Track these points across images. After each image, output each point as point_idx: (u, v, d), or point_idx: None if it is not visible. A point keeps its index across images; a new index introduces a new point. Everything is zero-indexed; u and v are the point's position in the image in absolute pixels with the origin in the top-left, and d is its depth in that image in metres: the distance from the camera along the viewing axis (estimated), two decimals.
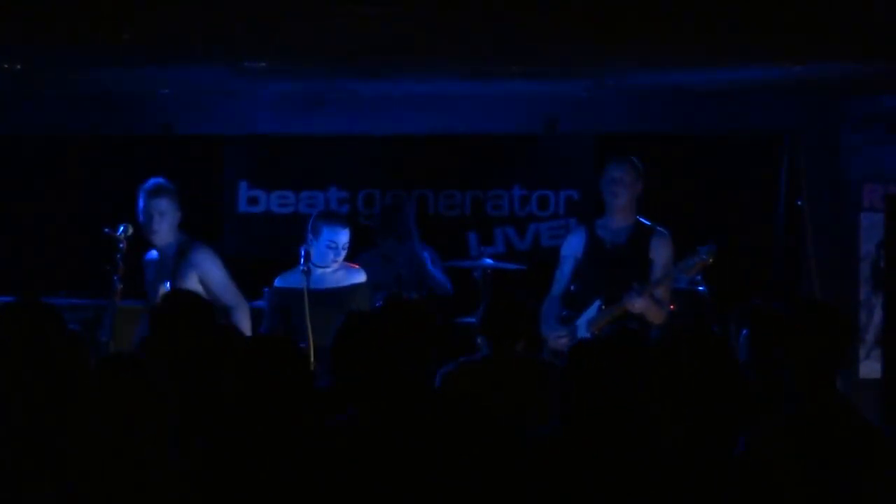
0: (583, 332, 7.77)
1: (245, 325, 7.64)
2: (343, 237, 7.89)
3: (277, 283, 8.07)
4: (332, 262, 7.91)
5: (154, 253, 8.02)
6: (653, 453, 4.42)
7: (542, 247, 10.73)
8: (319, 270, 7.87)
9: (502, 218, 10.96)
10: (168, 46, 8.38)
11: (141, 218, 7.92)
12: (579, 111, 10.80)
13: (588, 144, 10.82)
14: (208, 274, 7.81)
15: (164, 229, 7.89)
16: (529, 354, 6.70)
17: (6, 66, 9.03)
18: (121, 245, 7.75)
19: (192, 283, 7.74)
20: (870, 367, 10.53)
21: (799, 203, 10.71)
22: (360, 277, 8.00)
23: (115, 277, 7.67)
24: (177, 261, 7.83)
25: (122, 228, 7.80)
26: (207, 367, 4.93)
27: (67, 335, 4.56)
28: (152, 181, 8.05)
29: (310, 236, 7.93)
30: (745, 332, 5.55)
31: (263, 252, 10.56)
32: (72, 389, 4.26)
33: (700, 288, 9.67)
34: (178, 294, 6.52)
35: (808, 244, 10.68)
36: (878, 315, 10.57)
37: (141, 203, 7.94)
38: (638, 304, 7.61)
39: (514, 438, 4.69)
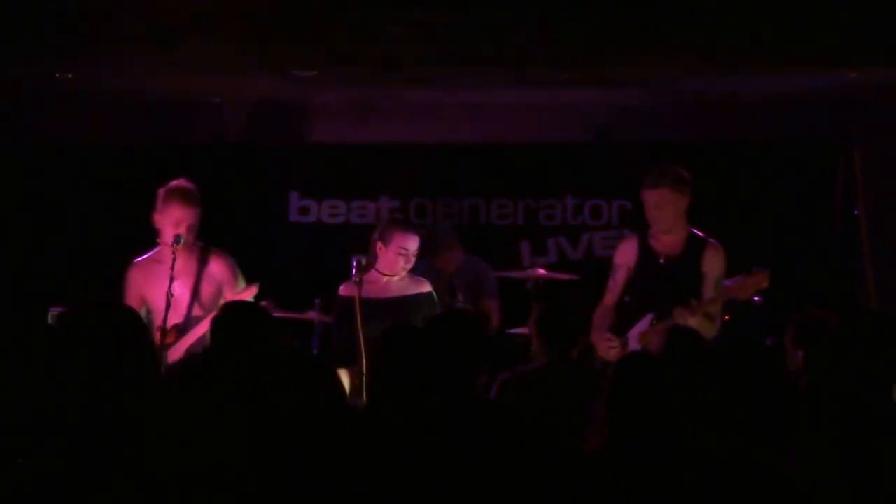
0: (633, 344, 7.68)
1: None
2: (414, 244, 7.72)
3: (342, 291, 7.90)
4: (401, 270, 7.75)
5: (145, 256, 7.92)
6: (701, 467, 4.34)
7: (595, 256, 10.59)
8: (385, 279, 7.70)
9: (555, 227, 10.85)
10: (219, 56, 8.38)
11: (175, 227, 7.70)
12: (632, 119, 10.72)
13: (641, 153, 10.69)
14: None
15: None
16: (585, 363, 6.65)
17: (58, 74, 9.05)
18: (174, 257, 7.63)
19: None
20: None
21: (855, 213, 10.57)
22: (426, 287, 7.85)
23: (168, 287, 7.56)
24: (199, 266, 7.70)
25: (175, 239, 7.66)
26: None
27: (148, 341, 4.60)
28: (184, 184, 7.77)
29: (378, 243, 7.76)
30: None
31: (314, 262, 10.52)
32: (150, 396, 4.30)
33: (755, 298, 9.54)
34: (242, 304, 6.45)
35: (865, 254, 10.53)
36: None
37: (178, 209, 7.67)
38: (690, 322, 7.48)
39: (566, 451, 4.64)
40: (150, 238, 7.76)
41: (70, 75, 9.08)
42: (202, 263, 7.62)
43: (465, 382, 4.76)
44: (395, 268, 7.62)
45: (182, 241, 7.57)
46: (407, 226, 7.82)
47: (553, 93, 10.06)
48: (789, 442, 4.51)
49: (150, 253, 7.82)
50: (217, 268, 7.68)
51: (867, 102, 10.33)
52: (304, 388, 4.40)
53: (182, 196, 7.66)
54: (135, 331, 4.39)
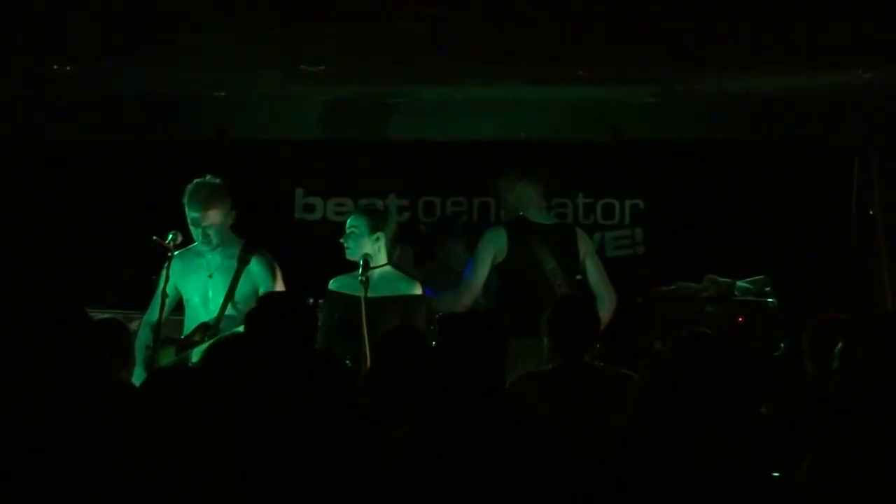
0: None
1: None
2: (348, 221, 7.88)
3: (332, 286, 7.81)
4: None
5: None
6: (718, 473, 4.31)
7: (606, 257, 10.48)
8: (378, 272, 7.64)
9: None
10: (223, 48, 8.29)
11: (193, 227, 7.68)
12: (646, 118, 10.62)
13: (655, 152, 10.61)
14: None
15: None
16: (598, 364, 6.54)
17: (56, 66, 8.98)
18: (169, 254, 7.50)
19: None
20: None
21: (871, 213, 10.47)
22: (417, 290, 7.78)
23: (164, 288, 7.45)
24: (240, 265, 7.60)
25: (171, 236, 7.54)
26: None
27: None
28: (198, 184, 7.76)
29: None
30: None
31: (319, 261, 10.41)
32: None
33: (769, 300, 9.45)
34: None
35: (881, 254, 10.45)
36: None
37: (191, 210, 7.68)
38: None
39: (584, 456, 4.60)
40: (150, 233, 7.65)
41: (68, 68, 8.99)
42: (242, 262, 7.55)
43: (489, 383, 4.71)
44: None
45: (179, 237, 7.50)
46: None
47: (566, 90, 9.97)
48: (803, 446, 4.48)
49: (192, 245, 7.75)
50: (257, 268, 7.60)
51: (883, 102, 10.22)
52: (325, 389, 4.50)
53: (193, 197, 7.63)
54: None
